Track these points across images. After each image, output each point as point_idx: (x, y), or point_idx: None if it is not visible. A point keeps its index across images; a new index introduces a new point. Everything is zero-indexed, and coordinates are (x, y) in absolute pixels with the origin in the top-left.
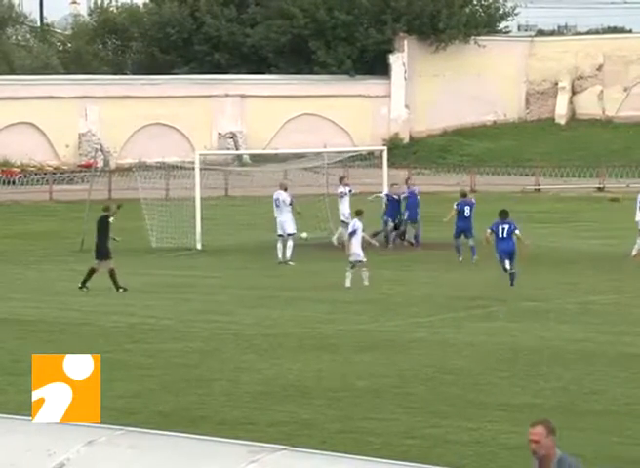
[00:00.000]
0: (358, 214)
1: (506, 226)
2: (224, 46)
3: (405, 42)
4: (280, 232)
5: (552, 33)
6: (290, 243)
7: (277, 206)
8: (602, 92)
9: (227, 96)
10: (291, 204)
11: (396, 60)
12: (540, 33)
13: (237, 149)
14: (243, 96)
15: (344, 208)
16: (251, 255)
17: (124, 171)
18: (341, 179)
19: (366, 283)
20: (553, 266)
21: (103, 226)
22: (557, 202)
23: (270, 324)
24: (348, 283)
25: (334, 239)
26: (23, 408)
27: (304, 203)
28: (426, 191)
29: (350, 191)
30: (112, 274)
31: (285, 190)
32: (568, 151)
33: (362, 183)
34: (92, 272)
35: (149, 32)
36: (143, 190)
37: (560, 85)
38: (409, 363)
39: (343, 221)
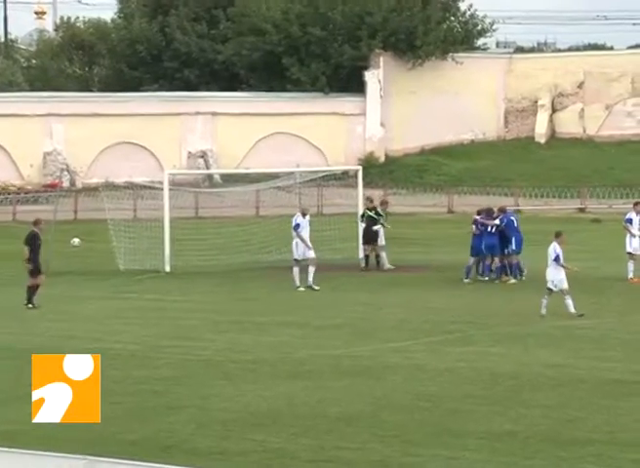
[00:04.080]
0: (557, 236)
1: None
2: (195, 62)
3: (381, 59)
4: (301, 257)
5: (532, 50)
6: (295, 269)
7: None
8: (583, 110)
9: (198, 113)
10: (296, 227)
11: (371, 78)
12: (520, 50)
13: (208, 169)
14: (214, 113)
15: (381, 231)
16: (221, 279)
17: (90, 191)
18: (382, 203)
19: (572, 311)
20: (533, 290)
21: (35, 242)
22: (537, 223)
23: (241, 349)
24: (572, 309)
25: (386, 264)
26: None
27: (276, 223)
28: (402, 212)
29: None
30: (35, 289)
31: (304, 216)
32: (548, 171)
33: (336, 204)
34: (31, 289)
35: (117, 48)
36: (110, 211)
37: (540, 103)
38: (384, 389)
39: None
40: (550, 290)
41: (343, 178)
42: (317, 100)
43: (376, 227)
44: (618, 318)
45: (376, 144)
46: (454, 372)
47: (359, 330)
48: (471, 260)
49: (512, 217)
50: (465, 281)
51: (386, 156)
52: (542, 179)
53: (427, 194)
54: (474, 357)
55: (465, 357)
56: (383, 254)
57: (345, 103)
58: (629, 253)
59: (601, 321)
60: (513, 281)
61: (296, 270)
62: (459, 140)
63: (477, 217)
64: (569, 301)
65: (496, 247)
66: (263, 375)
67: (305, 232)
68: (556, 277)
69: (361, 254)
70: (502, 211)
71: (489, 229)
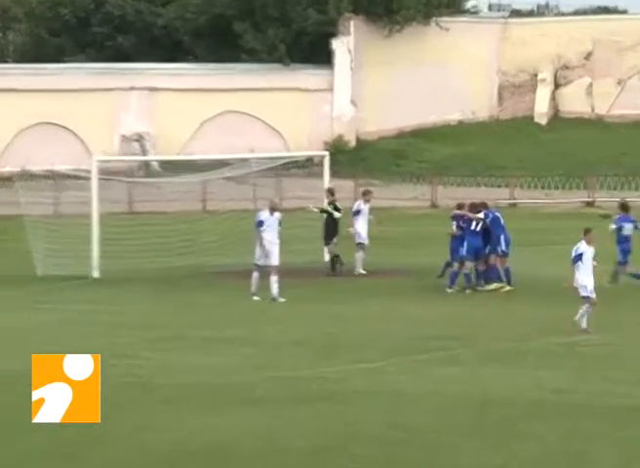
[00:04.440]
0: (585, 233)
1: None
2: (130, 28)
3: (351, 24)
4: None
5: (530, 14)
6: (255, 274)
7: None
8: (591, 85)
9: (132, 89)
10: (258, 225)
11: (340, 46)
12: (516, 14)
13: (144, 155)
14: (152, 89)
15: (360, 227)
16: (160, 286)
17: (3, 181)
18: (364, 194)
19: (583, 326)
20: (532, 299)
21: None
22: (536, 219)
23: (184, 371)
24: (584, 324)
25: (359, 269)
26: None
27: (227, 220)
28: (377, 206)
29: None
30: None
31: (272, 212)
32: (550, 157)
33: (298, 197)
34: None
35: (36, 11)
36: (27, 205)
37: (540, 77)
38: (353, 418)
39: (360, 243)
40: (588, 297)
41: (307, 166)
42: (275, 73)
43: (337, 215)
44: (632, 333)
45: (345, 126)
46: (436, 398)
47: (324, 347)
48: (456, 265)
49: (497, 214)
50: (449, 291)
51: (358, 140)
52: (543, 167)
53: (406, 185)
54: (461, 379)
55: (451, 379)
56: (360, 255)
57: (309, 77)
58: None
59: (613, 336)
60: (508, 288)
61: (255, 275)
62: (444, 121)
63: (458, 212)
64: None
65: (481, 250)
66: (210, 402)
67: (271, 232)
68: (589, 281)
69: (327, 257)
70: (484, 206)
71: (472, 227)
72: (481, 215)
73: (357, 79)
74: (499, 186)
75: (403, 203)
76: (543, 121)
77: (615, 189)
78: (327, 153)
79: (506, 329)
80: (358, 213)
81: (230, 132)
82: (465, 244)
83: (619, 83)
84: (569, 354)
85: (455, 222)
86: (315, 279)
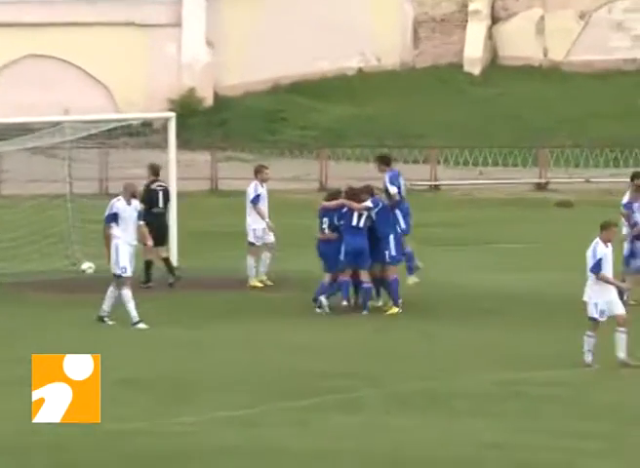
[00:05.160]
0: (603, 228)
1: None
2: None
3: None
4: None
5: None
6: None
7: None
8: (543, 19)
9: None
10: (110, 219)
11: None
12: None
13: None
14: None
15: (255, 219)
16: None
17: None
18: (258, 172)
19: (621, 355)
20: (461, 319)
21: None
22: (468, 208)
23: None
24: (588, 358)
25: (252, 281)
26: None
27: (30, 210)
28: (243, 189)
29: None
30: None
31: (130, 199)
32: (485, 121)
33: (131, 176)
34: None
35: None
36: None
37: (472, 7)
38: None
39: (251, 243)
40: (595, 319)
41: (144, 134)
42: (99, 3)
43: (158, 209)
44: (601, 367)
45: (198, 76)
46: (330, 458)
47: (171, 387)
48: (327, 278)
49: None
50: (318, 311)
51: (216, 96)
52: (476, 135)
53: (285, 160)
54: (364, 431)
55: (350, 432)
56: (260, 259)
57: (148, 8)
58: (627, 261)
59: (575, 371)
60: (397, 310)
61: (124, 292)
62: (337, 70)
63: (328, 205)
64: (623, 336)
65: (365, 253)
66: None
67: (128, 229)
68: (602, 297)
69: (175, 262)
70: (369, 191)
71: (354, 222)
72: (368, 204)
73: (215, 11)
74: (414, 162)
75: (279, 185)
76: (476, 70)
77: (576, 166)
78: (172, 114)
79: (423, 362)
80: (257, 198)
81: (35, 84)
82: (343, 245)
83: (581, 17)
84: (509, 396)
85: (326, 220)
86: (159, 292)
